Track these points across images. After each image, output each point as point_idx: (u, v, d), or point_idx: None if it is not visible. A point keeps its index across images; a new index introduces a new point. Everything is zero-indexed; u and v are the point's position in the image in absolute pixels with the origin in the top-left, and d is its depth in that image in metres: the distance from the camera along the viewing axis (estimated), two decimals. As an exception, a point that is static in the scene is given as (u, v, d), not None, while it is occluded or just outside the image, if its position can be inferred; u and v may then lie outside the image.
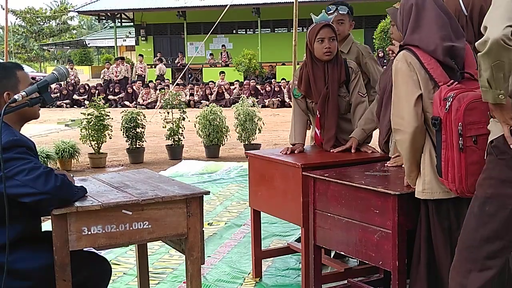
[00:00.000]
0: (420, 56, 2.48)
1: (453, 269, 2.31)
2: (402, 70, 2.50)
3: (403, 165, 2.94)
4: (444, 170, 2.37)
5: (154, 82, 20.71)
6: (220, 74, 20.19)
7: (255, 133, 8.97)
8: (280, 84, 18.81)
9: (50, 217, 2.28)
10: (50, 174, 2.21)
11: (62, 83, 19.95)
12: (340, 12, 3.96)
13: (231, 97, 18.55)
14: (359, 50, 4.03)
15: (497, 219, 2.13)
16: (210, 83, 19.68)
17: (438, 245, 2.54)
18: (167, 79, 21.60)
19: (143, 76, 21.99)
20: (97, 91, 19.38)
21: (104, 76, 21.68)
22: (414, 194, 2.59)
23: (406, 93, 2.48)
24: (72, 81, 20.77)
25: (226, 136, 8.95)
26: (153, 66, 25.43)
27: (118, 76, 21.10)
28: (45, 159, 7.17)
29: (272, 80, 20.19)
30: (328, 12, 3.88)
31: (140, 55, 23.83)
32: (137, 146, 8.54)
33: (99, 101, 8.41)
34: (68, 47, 44.40)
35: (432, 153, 2.48)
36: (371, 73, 4.00)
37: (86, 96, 19.90)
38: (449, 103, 2.28)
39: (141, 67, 22.42)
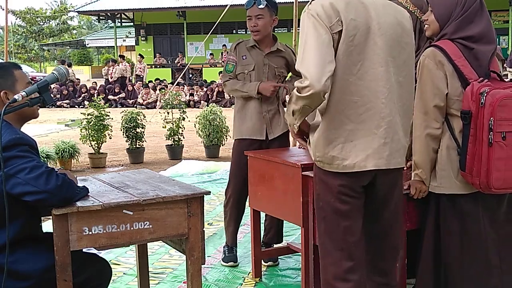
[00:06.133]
0: (450, 54, 2.47)
1: None
2: (428, 68, 2.51)
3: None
4: (469, 164, 2.39)
5: (154, 82, 20.71)
6: (219, 74, 20.18)
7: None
8: (280, 84, 18.76)
9: (50, 217, 2.28)
10: (52, 173, 2.22)
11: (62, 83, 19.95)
12: (258, 6, 3.86)
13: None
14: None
15: None
16: (213, 83, 19.66)
17: (448, 243, 2.53)
18: (165, 79, 21.61)
19: (141, 76, 21.99)
20: (96, 91, 19.39)
21: (104, 76, 21.84)
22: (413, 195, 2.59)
23: (431, 91, 2.49)
24: (69, 82, 20.80)
25: (226, 136, 8.95)
26: (153, 66, 25.42)
27: (113, 77, 21.18)
28: (45, 159, 7.17)
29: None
30: (247, 8, 3.88)
31: (140, 55, 23.82)
32: (137, 146, 8.54)
33: (99, 101, 8.41)
34: (68, 47, 44.42)
35: (450, 148, 2.49)
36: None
37: (87, 96, 19.91)
38: (484, 97, 2.32)
39: (140, 68, 22.42)
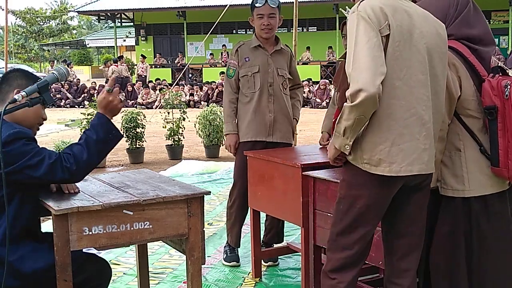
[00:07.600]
0: (464, 53, 2.46)
1: None
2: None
3: None
4: (503, 158, 2.38)
5: (154, 82, 20.71)
6: (220, 74, 20.18)
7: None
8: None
9: (50, 217, 2.29)
10: (55, 165, 2.27)
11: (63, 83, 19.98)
12: (270, 5, 3.84)
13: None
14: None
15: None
16: (212, 83, 19.66)
17: (488, 247, 2.49)
18: (164, 80, 21.64)
19: (143, 76, 22.01)
20: (96, 92, 19.38)
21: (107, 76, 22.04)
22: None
23: (448, 96, 2.44)
24: (72, 82, 20.84)
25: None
26: (153, 66, 25.42)
27: (108, 76, 21.34)
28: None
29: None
30: (256, 5, 3.85)
31: (142, 55, 23.82)
32: (137, 146, 8.55)
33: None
34: (68, 47, 44.42)
35: (473, 149, 2.47)
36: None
37: (87, 96, 19.91)
38: (508, 89, 2.32)
39: (142, 68, 22.45)
